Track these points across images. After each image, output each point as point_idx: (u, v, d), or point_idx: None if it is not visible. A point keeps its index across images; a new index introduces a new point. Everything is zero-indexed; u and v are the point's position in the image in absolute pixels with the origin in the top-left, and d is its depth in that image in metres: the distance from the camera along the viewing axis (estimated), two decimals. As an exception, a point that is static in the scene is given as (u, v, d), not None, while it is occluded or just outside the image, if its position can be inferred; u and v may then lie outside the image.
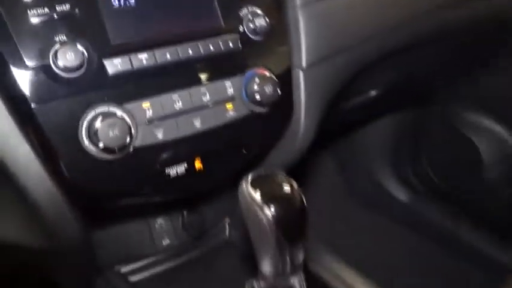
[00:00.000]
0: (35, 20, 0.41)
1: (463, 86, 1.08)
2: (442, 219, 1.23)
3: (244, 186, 0.40)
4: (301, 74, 0.57)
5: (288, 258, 0.41)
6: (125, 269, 0.63)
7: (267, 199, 0.39)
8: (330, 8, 0.58)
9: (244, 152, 0.53)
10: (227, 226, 0.71)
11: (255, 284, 0.51)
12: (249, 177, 0.41)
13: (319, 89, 0.59)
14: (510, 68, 1.00)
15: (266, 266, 0.43)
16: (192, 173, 0.49)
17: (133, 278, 0.63)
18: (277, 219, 0.39)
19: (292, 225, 0.40)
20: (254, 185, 0.40)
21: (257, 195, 0.39)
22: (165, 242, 0.65)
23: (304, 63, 0.57)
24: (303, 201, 0.40)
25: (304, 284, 0.42)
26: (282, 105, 0.55)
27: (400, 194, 1.33)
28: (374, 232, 1.27)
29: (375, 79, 0.77)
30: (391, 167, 1.32)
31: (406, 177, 1.31)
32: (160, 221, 0.64)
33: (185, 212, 0.65)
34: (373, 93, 0.83)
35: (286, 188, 0.41)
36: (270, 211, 0.39)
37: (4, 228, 0.49)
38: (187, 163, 0.49)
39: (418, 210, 1.29)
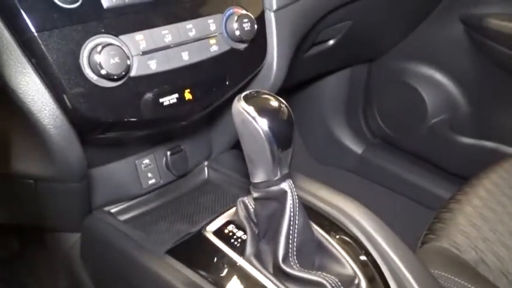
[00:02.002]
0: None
1: (409, 40, 1.18)
2: (393, 166, 1.35)
3: (238, 103, 0.45)
4: (272, 15, 0.63)
5: (279, 165, 0.47)
6: (113, 209, 0.67)
7: (260, 111, 0.44)
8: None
9: (228, 83, 0.58)
10: (206, 168, 0.76)
11: (246, 199, 0.57)
12: (241, 96, 0.46)
13: (288, 29, 0.65)
14: (449, 23, 1.11)
15: (260, 176, 0.48)
16: (182, 102, 0.54)
17: (122, 217, 0.66)
18: (271, 128, 0.44)
19: (283, 133, 0.45)
20: (247, 101, 0.45)
21: (251, 109, 0.45)
22: (151, 181, 0.69)
23: (274, 6, 0.63)
24: (290, 113, 0.46)
25: (294, 187, 0.48)
26: (257, 42, 0.60)
27: (354, 146, 1.43)
28: (330, 184, 1.36)
29: (333, 28, 0.84)
30: (345, 120, 1.42)
31: (359, 130, 1.42)
32: (145, 161, 0.68)
33: (168, 153, 0.70)
34: (330, 42, 0.90)
35: (275, 102, 0.46)
36: (264, 121, 0.44)
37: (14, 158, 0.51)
38: (178, 93, 0.53)
39: (372, 160, 1.39)
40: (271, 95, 0.47)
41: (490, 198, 0.73)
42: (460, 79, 1.17)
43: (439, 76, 1.20)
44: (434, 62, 1.19)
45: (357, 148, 1.42)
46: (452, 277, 0.57)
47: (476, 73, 1.13)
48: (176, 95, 0.53)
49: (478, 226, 0.67)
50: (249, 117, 0.45)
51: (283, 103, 0.47)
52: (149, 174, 0.69)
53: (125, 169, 0.66)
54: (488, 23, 1.01)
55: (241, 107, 0.45)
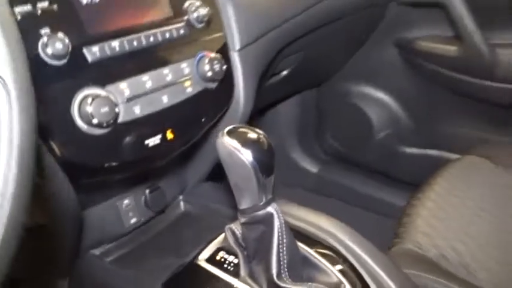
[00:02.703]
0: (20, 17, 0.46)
1: (351, 64, 1.29)
2: (348, 180, 1.43)
3: (222, 137, 0.50)
4: (236, 55, 0.69)
5: (264, 191, 0.52)
6: (98, 251, 0.68)
7: (244, 143, 0.50)
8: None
9: (203, 120, 0.63)
10: (182, 202, 0.79)
11: (233, 225, 0.61)
12: (225, 131, 0.51)
13: (252, 65, 0.71)
14: (384, 47, 1.23)
15: (247, 202, 0.53)
16: (165, 141, 0.58)
17: (109, 259, 0.68)
18: (255, 157, 0.49)
19: (266, 162, 0.51)
20: (230, 135, 0.50)
21: (235, 143, 0.50)
22: (132, 220, 0.71)
23: (237, 46, 0.69)
24: (270, 142, 0.52)
25: (279, 210, 0.53)
26: (226, 80, 0.66)
27: (310, 165, 1.51)
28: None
29: (288, 59, 0.92)
30: (299, 142, 1.50)
31: (313, 150, 1.50)
32: (126, 202, 0.70)
33: (147, 191, 0.72)
34: (285, 72, 0.97)
35: (255, 134, 0.51)
36: (248, 152, 0.49)
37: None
38: (161, 133, 0.57)
39: (328, 177, 1.47)
40: (250, 128, 0.52)
41: (442, 201, 0.82)
42: (399, 96, 1.28)
43: (380, 94, 1.31)
44: (374, 82, 1.30)
45: (312, 167, 1.50)
46: (419, 273, 0.64)
47: (413, 89, 1.25)
48: (159, 136, 0.57)
49: (435, 226, 0.75)
50: (234, 150, 0.50)
51: (262, 134, 0.52)
52: (130, 214, 0.71)
53: (107, 211, 0.68)
54: (419, 45, 1.14)
55: (226, 141, 0.50)
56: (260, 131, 0.52)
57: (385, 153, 1.35)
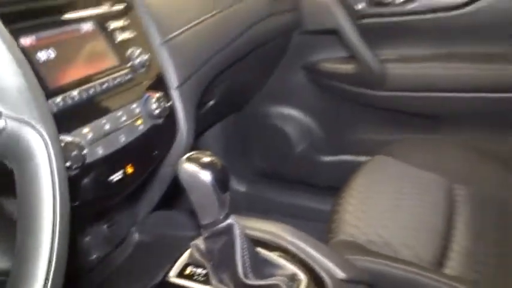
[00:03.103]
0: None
1: (266, 87, 1.42)
2: (277, 194, 1.56)
3: (183, 164, 0.58)
4: (176, 92, 0.77)
5: (223, 206, 0.61)
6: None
7: (203, 167, 0.58)
8: (183, 40, 0.80)
9: (155, 153, 0.70)
10: (136, 232, 0.84)
11: (196, 241, 0.68)
12: (184, 158, 0.59)
13: (190, 99, 0.80)
14: (293, 70, 1.39)
15: (209, 217, 0.61)
16: (126, 176, 0.64)
17: (74, 296, 0.71)
18: (213, 177, 0.58)
19: (223, 180, 0.59)
20: (190, 161, 0.59)
21: (194, 166, 0.58)
22: (94, 256, 0.75)
23: (175, 85, 0.77)
24: (223, 163, 0.61)
25: (236, 220, 0.62)
26: (171, 116, 0.74)
27: (238, 185, 1.61)
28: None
29: (214, 90, 1.02)
30: (227, 164, 1.58)
31: (241, 170, 1.61)
32: (87, 239, 0.74)
33: (105, 226, 0.77)
34: (212, 101, 1.08)
35: (210, 158, 0.60)
36: (207, 174, 0.58)
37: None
38: (122, 169, 0.64)
39: (257, 194, 1.58)
40: (204, 153, 0.61)
41: (362, 196, 0.96)
42: (310, 111, 1.44)
43: (294, 112, 1.46)
44: (288, 102, 1.45)
45: (241, 187, 1.60)
46: (355, 257, 0.76)
47: (321, 104, 1.42)
48: (121, 171, 0.64)
49: (361, 218, 0.88)
50: (195, 173, 0.58)
51: (214, 157, 0.61)
52: (91, 251, 0.75)
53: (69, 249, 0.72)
54: (322, 66, 1.31)
55: (187, 167, 0.58)
56: (212, 155, 0.61)
57: (305, 165, 1.49)
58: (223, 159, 1.56)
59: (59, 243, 0.34)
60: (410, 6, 1.17)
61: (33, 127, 0.33)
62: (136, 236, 0.84)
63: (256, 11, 1.07)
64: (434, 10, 1.15)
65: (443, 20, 1.15)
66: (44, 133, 0.33)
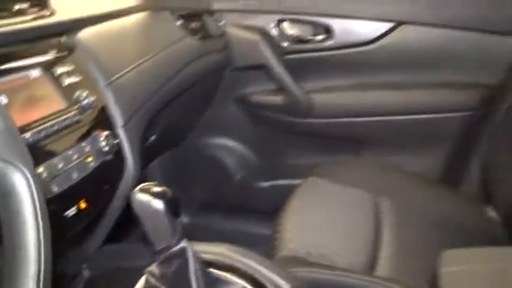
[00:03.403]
0: None
1: (205, 121, 1.50)
2: (219, 223, 1.61)
3: (137, 194, 0.63)
4: (121, 130, 0.82)
5: (175, 231, 0.66)
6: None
7: (155, 196, 0.64)
8: (125, 82, 0.85)
9: (106, 188, 0.75)
10: (86, 269, 0.86)
11: (149, 268, 0.72)
12: (137, 189, 0.64)
13: (135, 137, 0.85)
14: (227, 102, 1.48)
15: (163, 243, 0.66)
16: (80, 211, 0.68)
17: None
18: (165, 205, 0.64)
19: (173, 207, 0.65)
20: (142, 192, 0.64)
21: (148, 195, 0.63)
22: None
23: (121, 123, 0.82)
24: (172, 192, 0.67)
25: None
26: (118, 153, 0.79)
27: (182, 217, 1.63)
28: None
29: (156, 126, 1.08)
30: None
31: (183, 202, 1.64)
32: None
33: (55, 263, 0.78)
34: (153, 137, 1.13)
35: (159, 188, 0.66)
36: (159, 202, 0.64)
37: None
38: (76, 205, 0.67)
39: (200, 225, 1.62)
40: (154, 184, 0.67)
41: (298, 216, 1.04)
42: (246, 141, 1.53)
43: (230, 143, 1.54)
44: (224, 134, 1.53)
45: (184, 218, 1.64)
46: (297, 269, 0.84)
47: (256, 134, 1.51)
48: (75, 207, 0.67)
49: (299, 234, 0.96)
50: (148, 202, 0.63)
51: (164, 187, 0.67)
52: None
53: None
54: (254, 98, 1.41)
55: (140, 197, 0.63)
56: (162, 185, 0.67)
57: (244, 192, 1.57)
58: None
59: (45, 271, 0.37)
60: (327, 43, 1.32)
61: (14, 165, 0.37)
62: (87, 272, 0.86)
63: (189, 53, 1.15)
64: (347, 46, 1.30)
65: (356, 55, 1.30)
66: (25, 170, 0.38)
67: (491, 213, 1.09)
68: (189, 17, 1.23)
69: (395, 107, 1.30)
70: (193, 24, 1.23)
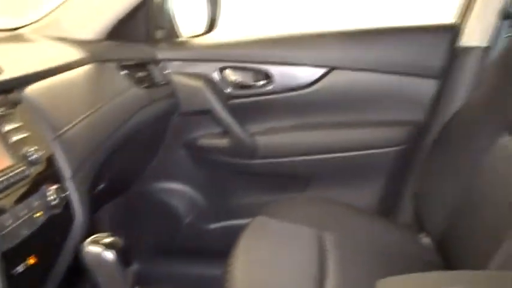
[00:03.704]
0: None
1: (154, 166, 1.52)
2: (168, 269, 1.60)
3: (88, 246, 0.65)
4: (70, 183, 0.84)
5: (127, 279, 0.68)
6: None
7: (107, 246, 0.66)
8: (73, 134, 0.87)
9: (56, 241, 0.75)
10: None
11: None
12: (88, 241, 0.66)
13: (83, 188, 0.87)
14: (176, 147, 1.51)
15: (115, 291, 0.68)
16: (29, 267, 0.68)
17: None
18: (117, 254, 0.66)
19: (124, 255, 0.67)
20: (93, 244, 0.66)
21: (99, 247, 0.65)
22: None
23: (69, 176, 0.84)
24: (122, 243, 0.69)
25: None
26: (67, 205, 0.80)
27: (134, 264, 1.61)
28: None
29: (104, 175, 1.09)
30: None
31: (133, 249, 1.62)
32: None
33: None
34: (103, 185, 1.14)
35: (110, 238, 0.68)
36: (110, 253, 0.66)
37: None
38: (23, 262, 0.68)
39: (147, 274, 1.60)
40: (104, 236, 0.69)
41: (247, 255, 1.07)
42: (194, 184, 1.56)
43: (180, 186, 1.56)
44: (173, 178, 1.55)
45: (135, 264, 1.61)
46: None
47: (204, 177, 1.55)
48: (24, 263, 0.68)
49: (248, 274, 0.99)
50: (99, 254, 0.65)
51: (114, 237, 0.69)
52: None
53: None
54: (201, 142, 1.46)
55: (91, 249, 0.65)
56: (112, 236, 0.69)
57: (194, 234, 1.58)
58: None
59: None
60: (268, 88, 1.40)
61: None
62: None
63: (136, 102, 1.19)
64: (287, 90, 1.40)
65: (295, 98, 1.40)
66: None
67: (425, 239, 1.18)
68: (135, 67, 1.27)
69: (333, 145, 1.40)
70: (139, 74, 1.27)
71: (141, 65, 1.31)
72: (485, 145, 0.98)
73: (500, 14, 1.23)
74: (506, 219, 0.82)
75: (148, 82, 1.28)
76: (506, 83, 1.00)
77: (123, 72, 1.20)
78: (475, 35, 1.27)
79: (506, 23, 1.23)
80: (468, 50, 1.28)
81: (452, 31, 1.33)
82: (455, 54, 1.30)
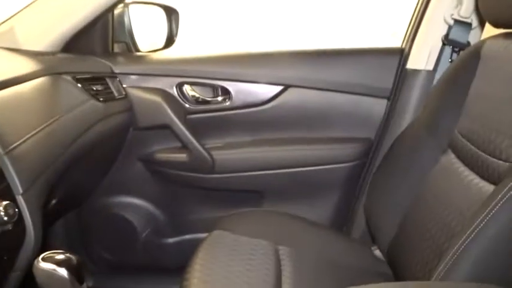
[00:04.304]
0: None
1: (110, 179, 1.49)
2: (123, 284, 1.57)
3: (39, 263, 0.64)
4: (21, 198, 0.82)
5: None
6: None
7: (59, 263, 0.65)
8: (25, 149, 0.85)
9: (5, 258, 0.73)
10: None
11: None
12: (39, 258, 0.65)
13: (35, 204, 0.85)
14: (131, 162, 1.50)
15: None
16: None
17: None
18: (70, 272, 0.65)
19: (77, 272, 0.67)
20: (45, 260, 0.65)
21: (52, 264, 0.65)
22: None
23: (21, 191, 0.82)
24: (76, 258, 0.68)
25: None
26: (19, 221, 0.78)
27: (89, 282, 1.57)
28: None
29: (58, 190, 1.07)
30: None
31: (87, 266, 1.58)
32: None
33: None
34: (54, 201, 1.11)
35: (63, 255, 0.67)
36: (63, 270, 0.65)
37: None
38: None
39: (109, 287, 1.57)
40: (57, 252, 0.68)
41: (203, 270, 1.06)
42: (151, 198, 1.54)
43: (136, 201, 1.54)
44: (129, 192, 1.53)
45: (90, 282, 1.57)
46: None
47: (161, 191, 1.54)
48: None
49: (205, 289, 1.00)
50: (52, 271, 0.64)
51: (67, 253, 0.68)
52: None
53: None
54: (158, 157, 1.46)
55: (43, 266, 0.64)
56: (65, 252, 0.68)
57: (151, 250, 1.56)
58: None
59: None
60: (226, 104, 1.43)
61: None
62: None
63: (92, 115, 1.17)
64: (244, 107, 1.42)
65: (253, 114, 1.43)
66: None
67: (377, 252, 1.22)
68: (91, 80, 1.25)
69: (288, 161, 1.44)
70: (96, 87, 1.25)
71: (98, 79, 1.29)
72: (429, 162, 1.05)
73: (443, 40, 1.32)
74: (447, 231, 0.87)
75: (105, 96, 1.27)
76: (446, 106, 1.06)
77: (79, 85, 1.18)
78: (421, 59, 1.35)
79: (449, 49, 1.32)
80: (415, 72, 1.36)
81: (401, 54, 1.41)
82: (403, 76, 1.38)
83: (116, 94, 1.33)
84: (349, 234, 1.44)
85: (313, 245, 1.20)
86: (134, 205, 1.55)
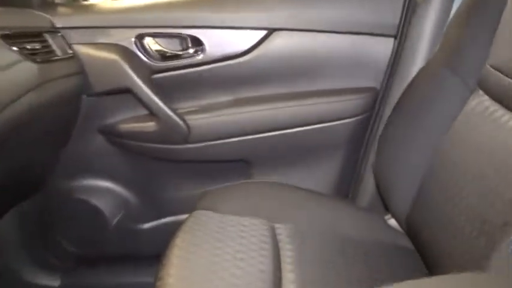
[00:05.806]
0: None
1: (66, 160, 1.27)
2: (96, 278, 1.38)
3: None
4: None
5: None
6: None
7: None
8: None
9: None
10: None
11: None
12: None
13: None
14: (90, 136, 1.26)
15: None
16: None
17: None
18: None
19: None
20: None
21: None
22: None
23: None
24: None
25: None
26: None
27: (48, 280, 1.37)
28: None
29: None
30: (30, 259, 1.35)
31: (47, 262, 1.37)
32: None
33: None
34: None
35: None
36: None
37: None
38: None
39: (74, 284, 1.38)
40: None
41: (184, 257, 0.87)
42: (119, 178, 1.34)
43: (101, 182, 1.34)
44: (92, 172, 1.31)
45: (54, 281, 1.39)
46: None
47: (128, 169, 1.33)
48: None
49: (185, 278, 0.80)
50: None
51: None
52: None
53: None
54: (121, 127, 1.23)
55: None
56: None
57: (124, 237, 1.37)
58: (23, 254, 1.33)
59: None
60: (198, 57, 1.19)
61: None
62: None
63: (27, 79, 0.94)
64: (220, 60, 1.19)
65: (231, 68, 1.19)
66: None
67: (391, 221, 1.04)
68: (26, 37, 1.01)
69: (278, 121, 1.22)
70: (31, 46, 1.01)
71: (34, 35, 1.06)
72: (453, 107, 0.86)
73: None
74: (484, 197, 0.67)
75: (44, 56, 1.03)
76: (473, 36, 0.86)
77: (6, 44, 0.93)
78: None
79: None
80: (427, 1, 1.12)
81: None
82: (412, 7, 1.14)
83: (59, 53, 1.09)
84: (356, 203, 1.24)
85: (316, 219, 1.01)
86: (100, 187, 1.33)
